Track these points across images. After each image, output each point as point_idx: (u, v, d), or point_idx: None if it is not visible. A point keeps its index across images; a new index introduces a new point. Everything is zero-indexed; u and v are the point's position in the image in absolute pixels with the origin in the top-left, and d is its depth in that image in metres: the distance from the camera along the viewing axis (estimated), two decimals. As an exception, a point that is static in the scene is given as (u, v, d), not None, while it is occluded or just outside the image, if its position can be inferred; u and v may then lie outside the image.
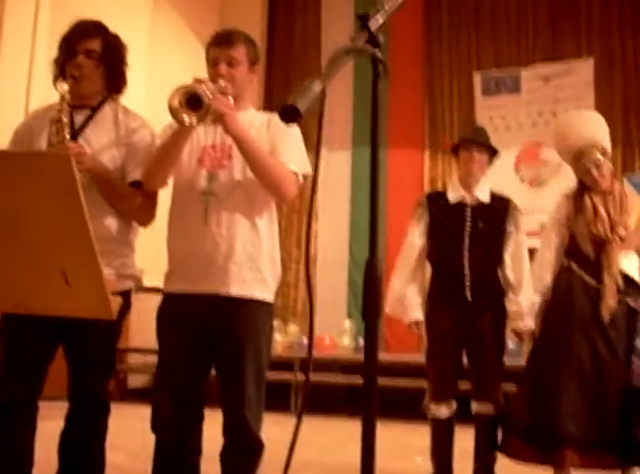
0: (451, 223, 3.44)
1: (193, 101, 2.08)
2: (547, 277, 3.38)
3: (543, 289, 3.38)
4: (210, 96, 2.10)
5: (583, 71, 7.35)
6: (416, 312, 3.40)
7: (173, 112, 2.09)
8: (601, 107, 7.04)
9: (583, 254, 3.31)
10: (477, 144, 3.47)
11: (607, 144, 3.40)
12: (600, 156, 3.34)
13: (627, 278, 3.25)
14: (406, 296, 3.42)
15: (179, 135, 2.21)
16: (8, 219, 1.75)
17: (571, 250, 3.36)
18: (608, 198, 3.33)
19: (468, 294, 3.34)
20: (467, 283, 3.34)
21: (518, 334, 3.44)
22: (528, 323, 3.36)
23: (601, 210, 3.28)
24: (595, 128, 3.40)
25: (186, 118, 2.09)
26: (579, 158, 3.36)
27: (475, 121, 7.33)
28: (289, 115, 1.19)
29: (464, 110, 7.76)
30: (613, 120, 7.03)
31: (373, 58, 1.36)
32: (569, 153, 3.43)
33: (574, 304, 3.25)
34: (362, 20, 1.38)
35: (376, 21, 1.37)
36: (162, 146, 2.28)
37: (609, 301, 3.17)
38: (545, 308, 3.36)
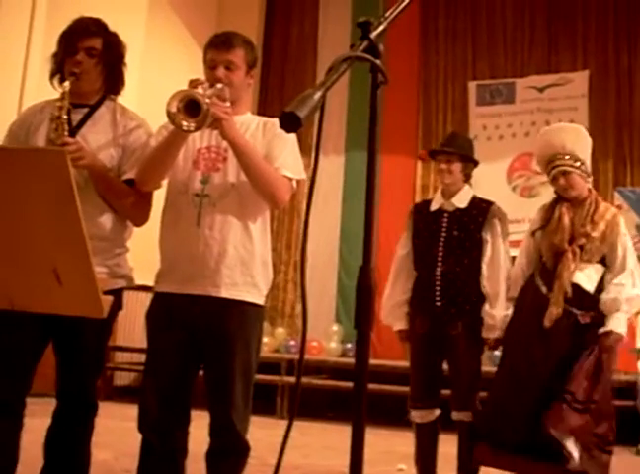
0: (430, 232, 3.46)
1: (190, 106, 2.06)
2: (518, 287, 3.37)
3: (514, 296, 3.37)
4: (208, 101, 2.09)
5: (578, 82, 7.37)
6: (398, 323, 3.48)
7: (171, 117, 2.07)
8: (595, 120, 7.08)
9: (543, 263, 3.30)
10: (444, 153, 3.47)
11: (583, 155, 3.33)
12: (569, 164, 3.27)
13: (582, 292, 3.20)
14: (392, 307, 3.49)
15: (175, 140, 2.21)
16: (2, 216, 1.74)
17: (537, 259, 3.36)
18: (578, 209, 3.29)
19: (438, 302, 3.36)
20: (437, 291, 3.36)
21: (488, 343, 3.44)
22: (498, 334, 3.36)
23: (565, 220, 3.26)
24: (566, 138, 3.35)
25: (184, 123, 2.08)
26: (549, 166, 3.33)
27: (468, 131, 7.34)
28: (290, 123, 1.19)
29: (458, 119, 7.76)
30: (606, 134, 7.08)
31: (374, 68, 1.35)
32: (542, 162, 3.42)
33: (524, 311, 3.26)
34: (363, 28, 1.36)
35: (377, 29, 1.36)
36: (157, 149, 2.27)
37: (553, 310, 3.15)
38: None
